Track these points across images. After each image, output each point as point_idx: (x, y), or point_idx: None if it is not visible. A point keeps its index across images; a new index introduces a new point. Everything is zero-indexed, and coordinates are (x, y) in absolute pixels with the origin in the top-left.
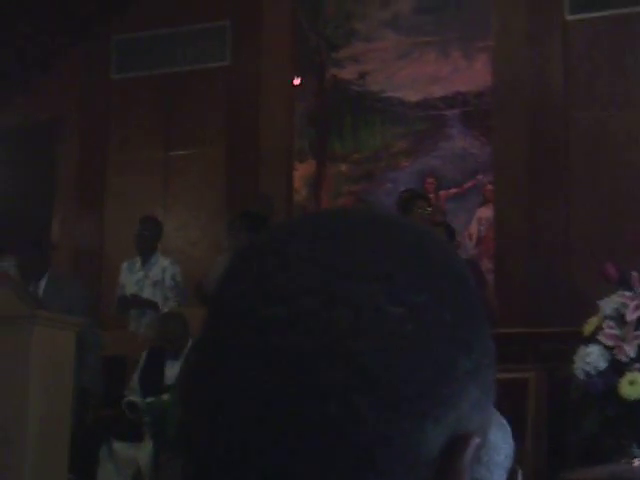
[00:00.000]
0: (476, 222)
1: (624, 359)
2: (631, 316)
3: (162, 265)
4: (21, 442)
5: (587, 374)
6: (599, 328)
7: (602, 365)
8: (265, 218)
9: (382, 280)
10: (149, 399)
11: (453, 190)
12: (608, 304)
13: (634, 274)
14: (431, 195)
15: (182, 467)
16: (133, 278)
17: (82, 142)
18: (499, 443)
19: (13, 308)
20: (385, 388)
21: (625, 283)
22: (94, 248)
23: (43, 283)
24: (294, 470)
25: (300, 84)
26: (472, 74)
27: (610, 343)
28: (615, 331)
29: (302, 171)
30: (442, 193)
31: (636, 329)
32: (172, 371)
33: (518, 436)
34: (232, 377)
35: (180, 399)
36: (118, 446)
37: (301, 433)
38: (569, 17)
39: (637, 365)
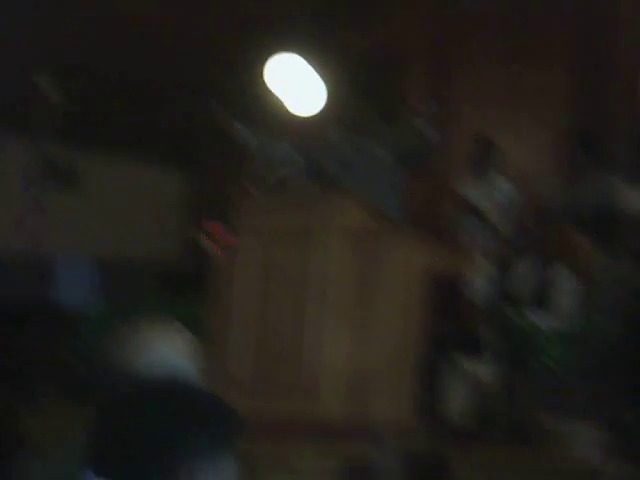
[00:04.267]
0: None
1: None
2: None
3: (500, 185)
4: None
5: None
6: None
7: None
8: (600, 138)
9: None
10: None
11: None
12: None
13: None
14: None
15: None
16: (473, 195)
17: (431, 70)
18: None
19: (369, 227)
20: None
21: None
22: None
23: None
24: None
25: None
26: None
27: None
28: None
29: None
30: None
31: None
32: (517, 289)
33: None
34: None
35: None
36: (461, 360)
37: None
38: None
39: None
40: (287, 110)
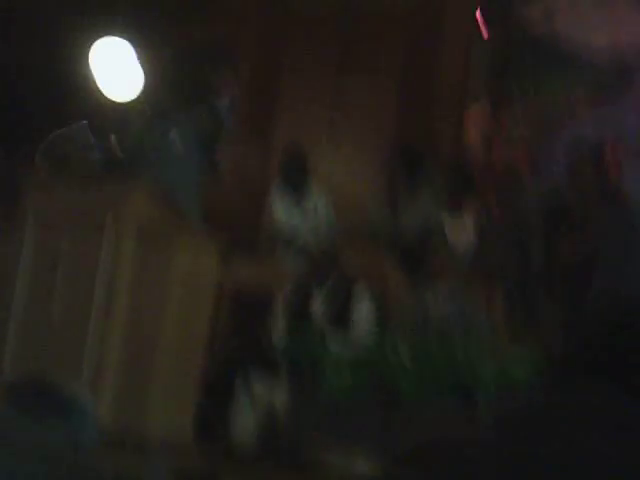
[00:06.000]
0: None
1: None
2: None
3: (316, 196)
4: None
5: None
6: None
7: None
8: (422, 155)
9: None
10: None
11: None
12: None
13: None
14: None
15: None
16: (284, 205)
17: (255, 68)
18: None
19: (158, 224)
20: None
21: None
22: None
23: None
24: None
25: (483, 19)
26: None
27: None
28: None
29: (475, 111)
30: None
31: None
32: (316, 306)
33: None
34: None
35: None
36: (255, 380)
37: None
38: None
39: None
40: (103, 94)
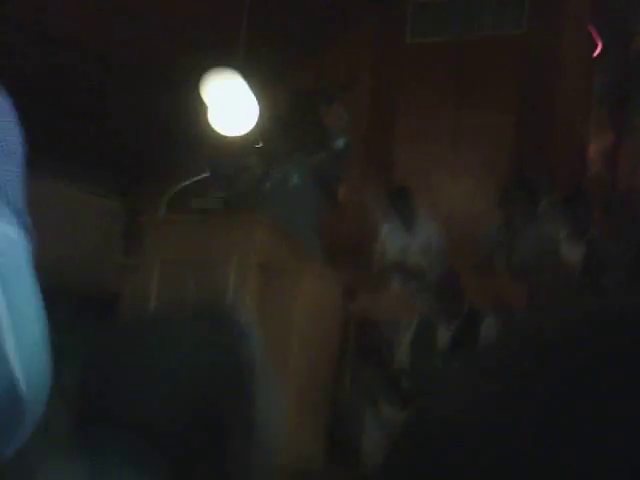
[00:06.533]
0: None
1: None
2: None
3: (428, 231)
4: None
5: None
6: None
7: None
8: (540, 189)
9: None
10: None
11: None
12: None
13: None
14: None
15: None
16: (397, 243)
17: (372, 106)
18: None
19: (280, 258)
20: None
21: None
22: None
23: None
24: None
25: (601, 53)
26: None
27: None
28: None
29: (598, 143)
30: None
31: None
32: (444, 339)
33: None
34: None
35: None
36: (386, 409)
37: None
38: None
39: None
40: (223, 138)
